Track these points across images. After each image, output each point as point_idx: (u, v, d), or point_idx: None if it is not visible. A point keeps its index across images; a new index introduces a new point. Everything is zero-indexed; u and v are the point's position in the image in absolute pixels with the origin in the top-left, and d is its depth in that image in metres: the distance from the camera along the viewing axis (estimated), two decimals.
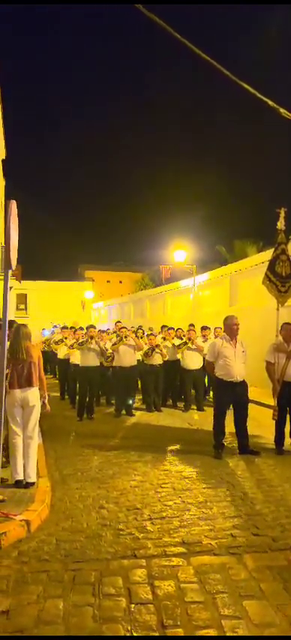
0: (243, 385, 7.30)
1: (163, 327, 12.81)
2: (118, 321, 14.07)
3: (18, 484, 5.48)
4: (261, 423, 8.97)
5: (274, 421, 7.56)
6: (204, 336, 11.96)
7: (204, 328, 12.31)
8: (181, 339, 11.79)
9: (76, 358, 11.26)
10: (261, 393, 10.30)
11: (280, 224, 8.17)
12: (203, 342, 11.61)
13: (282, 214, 8.16)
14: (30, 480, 5.52)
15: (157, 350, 11.07)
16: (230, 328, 7.33)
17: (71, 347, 11.76)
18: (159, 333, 12.42)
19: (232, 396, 7.24)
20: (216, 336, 10.99)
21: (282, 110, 7.48)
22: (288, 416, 7.56)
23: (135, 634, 2.99)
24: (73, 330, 13.25)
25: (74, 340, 11.58)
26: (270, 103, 7.26)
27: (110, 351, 10.95)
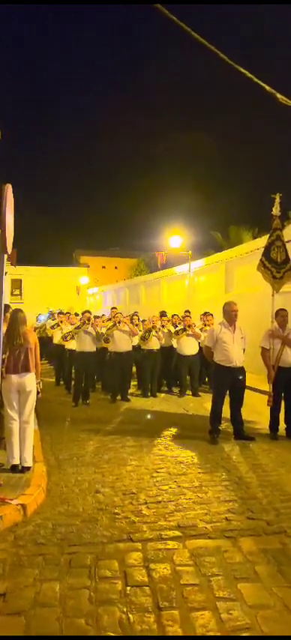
0: (241, 371, 7.32)
1: (161, 313, 12.82)
2: (114, 307, 14.06)
3: (14, 469, 5.50)
4: (256, 409, 9.01)
5: (269, 407, 7.60)
6: (204, 322, 11.92)
7: (205, 314, 12.31)
8: (176, 326, 11.79)
9: (72, 344, 11.26)
10: (256, 379, 10.34)
11: (276, 210, 8.14)
12: (203, 326, 11.60)
13: (277, 200, 8.14)
14: (26, 465, 5.54)
15: (153, 332, 11.06)
16: (229, 314, 7.34)
17: (65, 338, 11.72)
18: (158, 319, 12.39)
19: (230, 381, 7.27)
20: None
21: (279, 96, 7.42)
22: (283, 402, 7.61)
23: (131, 616, 3.02)
24: (68, 315, 13.26)
25: (68, 331, 11.59)
26: (267, 88, 7.20)
27: (105, 335, 10.93)
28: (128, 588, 3.34)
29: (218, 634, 2.89)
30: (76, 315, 15.15)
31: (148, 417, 9.20)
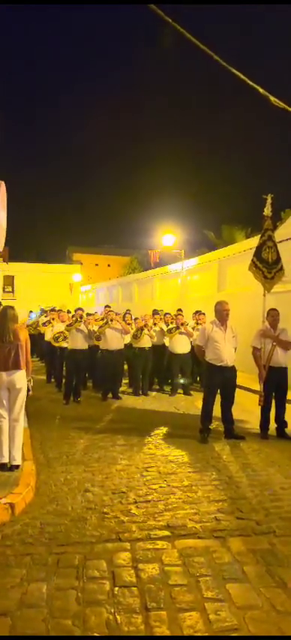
0: (232, 370, 7.33)
1: (154, 311, 12.81)
2: (107, 306, 14.03)
3: (3, 467, 5.46)
4: (246, 408, 9.02)
5: (260, 406, 7.61)
6: (197, 321, 11.94)
7: (197, 313, 12.34)
8: (168, 325, 11.78)
9: (63, 342, 11.22)
10: (247, 379, 10.34)
11: (267, 210, 8.15)
12: (195, 325, 11.62)
13: (269, 201, 8.14)
14: (15, 463, 5.50)
15: (145, 331, 11.05)
16: (220, 313, 7.34)
17: (56, 340, 11.65)
18: (150, 317, 12.39)
19: (221, 380, 7.27)
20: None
21: (272, 98, 7.43)
22: (273, 401, 7.62)
23: (118, 617, 3.00)
24: (59, 312, 13.19)
25: (58, 331, 11.54)
26: (261, 90, 7.20)
27: (97, 333, 10.89)
28: (116, 589, 3.31)
29: (206, 635, 2.87)
30: (69, 312, 15.09)
31: (139, 415, 9.18)
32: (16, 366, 5.65)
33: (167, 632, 2.89)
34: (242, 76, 7.08)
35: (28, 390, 5.92)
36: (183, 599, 3.20)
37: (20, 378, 5.68)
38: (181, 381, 11.51)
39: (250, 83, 7.20)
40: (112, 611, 3.07)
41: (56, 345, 11.76)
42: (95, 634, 2.87)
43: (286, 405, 7.68)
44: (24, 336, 5.86)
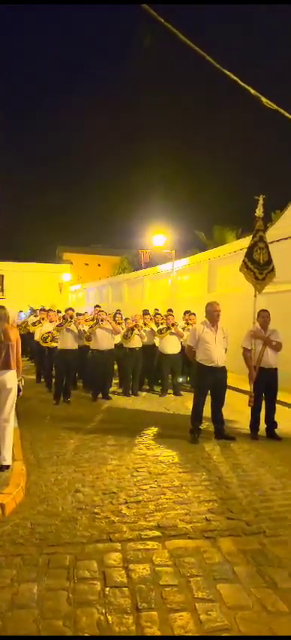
0: (223, 371, 7.36)
1: (144, 311, 12.81)
2: (97, 306, 14.00)
3: None
4: (236, 409, 9.06)
5: (250, 407, 7.64)
6: (187, 321, 11.98)
7: (187, 313, 12.38)
8: (158, 325, 11.79)
9: (52, 341, 11.19)
10: (237, 379, 10.37)
11: (259, 211, 8.17)
12: (185, 325, 11.66)
13: (260, 202, 8.17)
14: (5, 463, 5.47)
15: (136, 331, 11.05)
16: (211, 314, 7.36)
17: (44, 340, 11.59)
18: (141, 318, 12.39)
19: (211, 381, 7.29)
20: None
21: (264, 99, 7.45)
22: (263, 402, 7.66)
23: (109, 617, 3.00)
24: (48, 311, 13.15)
25: (47, 331, 11.49)
26: (252, 91, 7.22)
27: (88, 333, 10.87)
28: (107, 589, 3.31)
29: (197, 635, 2.88)
30: (59, 312, 15.03)
31: (129, 415, 9.17)
32: (7, 366, 5.62)
33: (158, 633, 2.89)
34: (234, 77, 7.09)
35: (19, 390, 5.89)
36: (174, 599, 3.21)
37: (11, 378, 5.65)
38: (180, 379, 11.60)
39: (242, 84, 7.21)
40: (103, 611, 3.07)
41: (44, 345, 11.71)
42: (86, 634, 2.87)
43: (276, 405, 7.72)
44: (15, 336, 5.83)
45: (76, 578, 3.45)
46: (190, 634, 2.88)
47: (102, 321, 10.58)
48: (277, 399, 7.77)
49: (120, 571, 3.56)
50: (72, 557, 3.73)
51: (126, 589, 3.32)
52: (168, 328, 11.24)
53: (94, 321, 10.84)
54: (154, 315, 12.71)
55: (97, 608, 3.10)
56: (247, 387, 7.87)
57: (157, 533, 4.19)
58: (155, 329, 11.65)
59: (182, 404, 10.19)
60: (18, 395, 5.90)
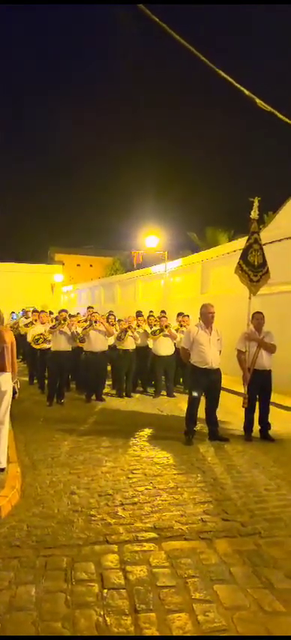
0: (217, 372, 7.39)
1: (137, 313, 12.83)
2: (90, 307, 14.00)
3: None
4: (230, 410, 9.09)
5: (244, 408, 7.68)
6: (180, 324, 12.02)
7: (181, 315, 12.42)
8: (151, 327, 11.81)
9: (44, 343, 11.17)
10: (231, 381, 10.40)
11: (254, 213, 8.22)
12: (179, 327, 11.70)
13: (255, 204, 8.22)
14: (0, 466, 5.46)
15: (129, 333, 11.06)
16: (206, 316, 7.39)
17: (36, 342, 11.53)
18: (134, 319, 12.41)
19: (206, 383, 7.32)
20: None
21: (258, 101, 7.50)
22: (257, 404, 7.70)
23: (108, 619, 3.01)
24: (40, 313, 13.11)
25: (38, 333, 11.44)
26: (246, 92, 7.26)
27: (81, 335, 10.86)
28: (105, 591, 3.32)
29: (195, 635, 2.90)
30: (51, 313, 15.00)
31: (123, 417, 9.18)
32: (2, 369, 5.62)
33: (157, 634, 2.91)
34: (229, 78, 7.12)
35: (15, 392, 5.89)
36: (171, 600, 3.22)
37: (6, 381, 5.64)
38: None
39: (236, 85, 7.25)
40: (102, 613, 3.08)
41: (36, 347, 11.66)
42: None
43: (270, 407, 7.77)
44: (9, 338, 5.83)
45: (74, 580, 3.46)
46: (188, 635, 2.90)
47: (96, 322, 10.58)
48: (271, 400, 7.82)
49: (117, 573, 3.57)
50: (69, 560, 3.74)
51: (124, 591, 3.33)
52: (161, 330, 11.25)
53: (88, 323, 10.84)
54: (148, 317, 12.73)
55: (95, 610, 3.11)
56: (241, 389, 7.91)
57: (153, 534, 4.21)
58: (149, 331, 11.67)
59: (176, 405, 10.22)
60: (14, 397, 5.89)
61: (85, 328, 10.72)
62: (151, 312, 14.39)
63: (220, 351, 7.47)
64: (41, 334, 11.31)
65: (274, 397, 8.14)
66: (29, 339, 12.78)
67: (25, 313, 17.79)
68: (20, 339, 15.32)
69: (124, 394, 11.18)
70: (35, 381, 12.73)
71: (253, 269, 8.05)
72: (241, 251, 8.38)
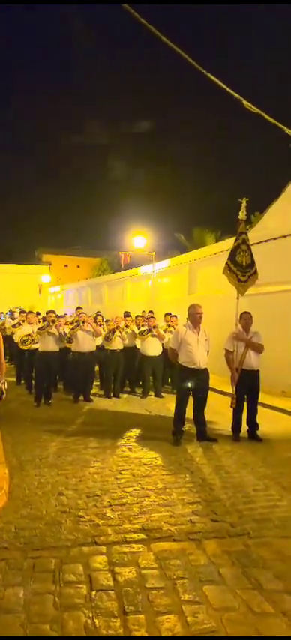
0: (205, 373, 7.38)
1: (125, 313, 12.80)
2: (79, 307, 13.94)
3: None
4: (218, 411, 9.10)
5: (232, 409, 7.69)
6: (168, 324, 12.03)
7: (168, 315, 12.44)
8: (139, 327, 11.80)
9: (32, 344, 11.10)
10: (219, 381, 10.43)
11: (242, 214, 8.25)
12: (167, 327, 11.71)
13: (244, 204, 8.25)
14: None
15: (117, 333, 11.04)
16: (194, 316, 7.39)
17: (23, 343, 11.44)
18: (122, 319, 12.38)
19: (193, 383, 7.31)
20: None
21: (245, 102, 7.54)
22: (245, 404, 7.72)
23: (96, 621, 2.99)
24: (27, 313, 13.03)
25: (26, 334, 11.36)
26: (234, 94, 7.30)
27: (69, 335, 10.80)
28: (93, 592, 3.30)
29: (184, 635, 2.89)
30: (38, 314, 14.91)
31: (111, 418, 9.15)
32: None
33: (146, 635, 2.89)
34: (214, 79, 7.15)
35: (2, 393, 5.83)
36: (160, 602, 3.21)
37: None
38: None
39: (223, 86, 7.28)
40: (90, 615, 3.05)
41: (24, 348, 11.58)
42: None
43: (258, 407, 7.80)
44: None
45: (62, 581, 3.42)
46: (177, 635, 2.89)
47: (83, 323, 10.54)
48: (259, 400, 7.85)
49: (106, 574, 3.55)
50: (57, 561, 3.70)
51: (112, 592, 3.31)
52: (149, 330, 11.24)
53: (76, 323, 10.79)
54: (136, 317, 12.71)
55: (83, 612, 3.08)
56: (229, 389, 7.93)
57: (141, 535, 4.19)
58: (136, 331, 11.66)
59: (163, 406, 10.21)
60: (1, 398, 5.83)
61: (73, 329, 10.67)
62: (143, 312, 14.36)
63: (208, 352, 7.47)
64: (29, 335, 11.24)
65: (262, 397, 8.17)
66: (16, 339, 12.70)
67: (12, 314, 17.67)
68: (7, 339, 15.24)
69: (111, 395, 11.15)
70: (22, 382, 12.63)
71: (242, 269, 8.08)
72: (229, 251, 8.40)
